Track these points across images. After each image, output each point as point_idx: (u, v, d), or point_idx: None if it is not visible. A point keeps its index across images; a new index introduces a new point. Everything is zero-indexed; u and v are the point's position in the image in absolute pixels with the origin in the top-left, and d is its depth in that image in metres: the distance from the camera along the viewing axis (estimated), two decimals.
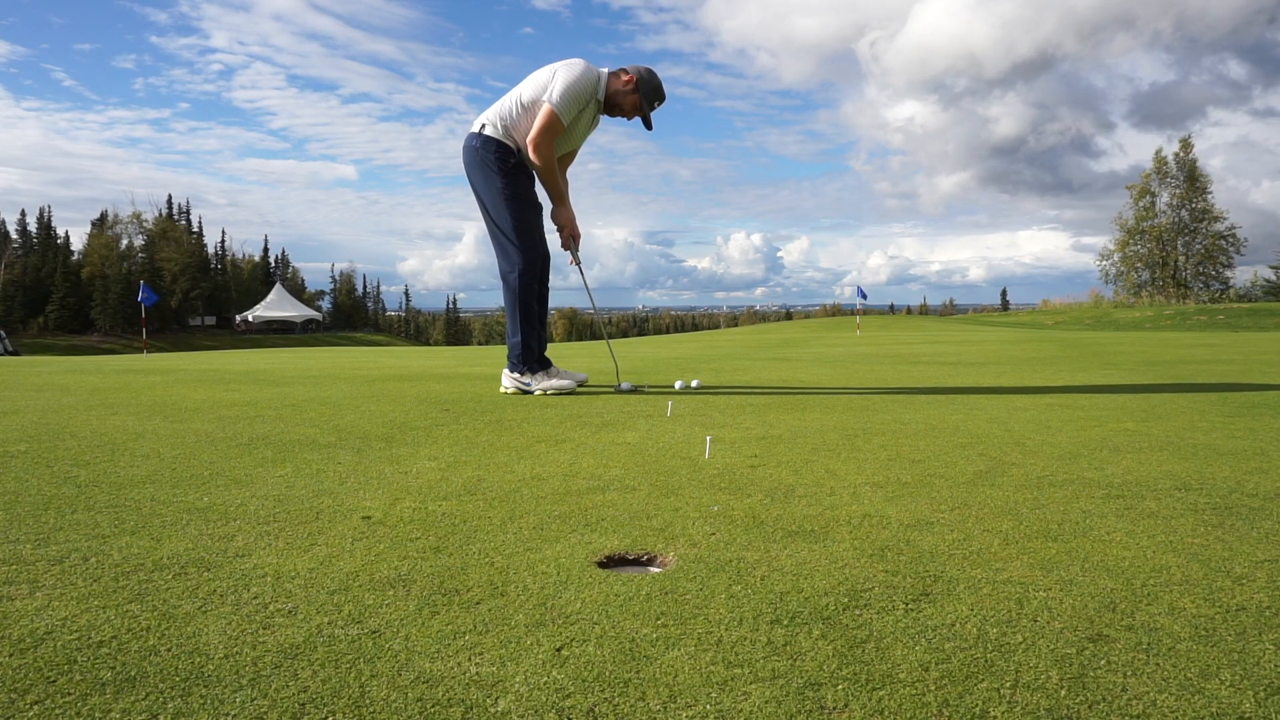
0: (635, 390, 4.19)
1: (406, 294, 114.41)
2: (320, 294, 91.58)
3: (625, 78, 3.99)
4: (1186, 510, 1.85)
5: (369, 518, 1.79)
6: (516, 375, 4.08)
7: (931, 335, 16.45)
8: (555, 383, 4.06)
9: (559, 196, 4.13)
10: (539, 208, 4.21)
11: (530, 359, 4.08)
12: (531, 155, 3.92)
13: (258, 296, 75.02)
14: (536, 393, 3.96)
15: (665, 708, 0.97)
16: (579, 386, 4.33)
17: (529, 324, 4.08)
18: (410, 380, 4.95)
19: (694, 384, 4.53)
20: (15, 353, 19.92)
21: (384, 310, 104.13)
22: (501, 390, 4.09)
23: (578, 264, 4.42)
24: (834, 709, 0.97)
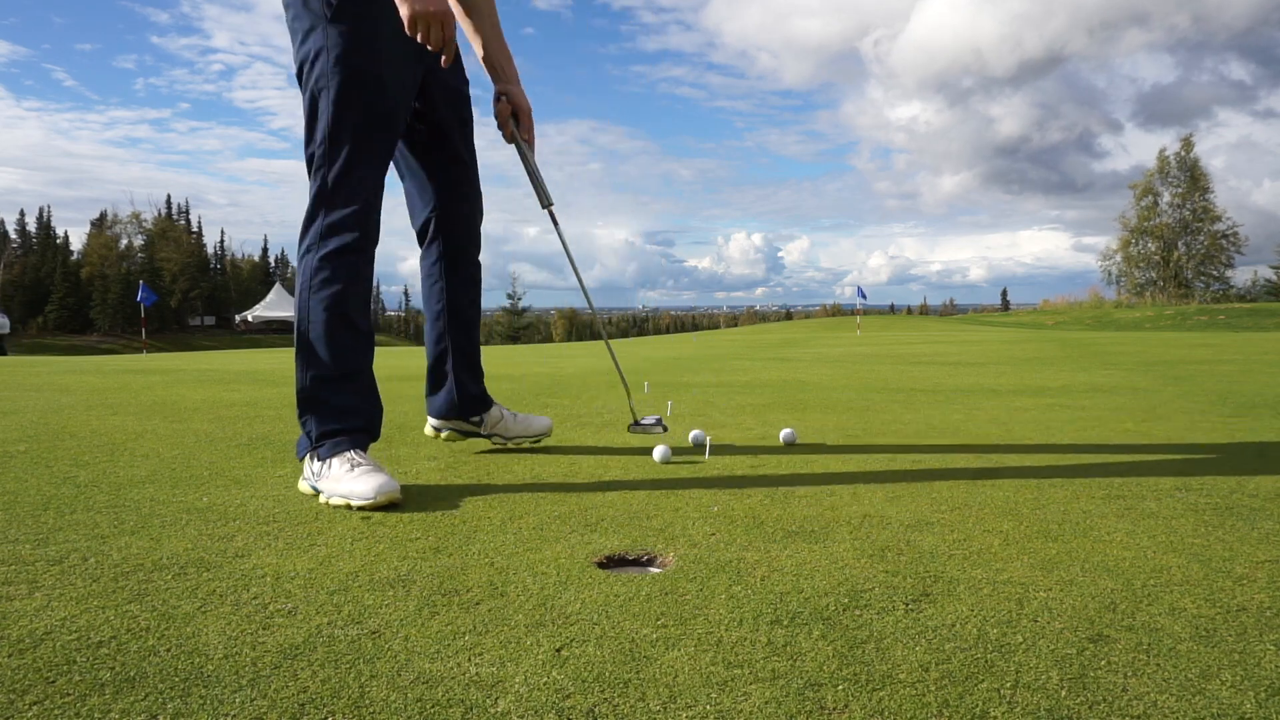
0: (651, 428, 2.62)
1: (406, 294, 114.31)
2: None
3: None
4: (1187, 510, 1.85)
5: (369, 518, 1.79)
6: (308, 463, 2.03)
7: (931, 335, 16.45)
8: (345, 485, 1.90)
9: None
10: (457, 93, 2.36)
11: (321, 429, 2.04)
12: None
13: (257, 296, 74.98)
14: (321, 500, 1.94)
15: (665, 708, 0.97)
16: (533, 440, 2.63)
17: (323, 353, 2.06)
18: (409, 380, 4.95)
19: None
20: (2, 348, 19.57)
21: (383, 310, 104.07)
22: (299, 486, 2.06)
23: (546, 206, 2.50)
24: (834, 709, 0.97)
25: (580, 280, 2.66)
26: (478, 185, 2.48)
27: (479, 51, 2.43)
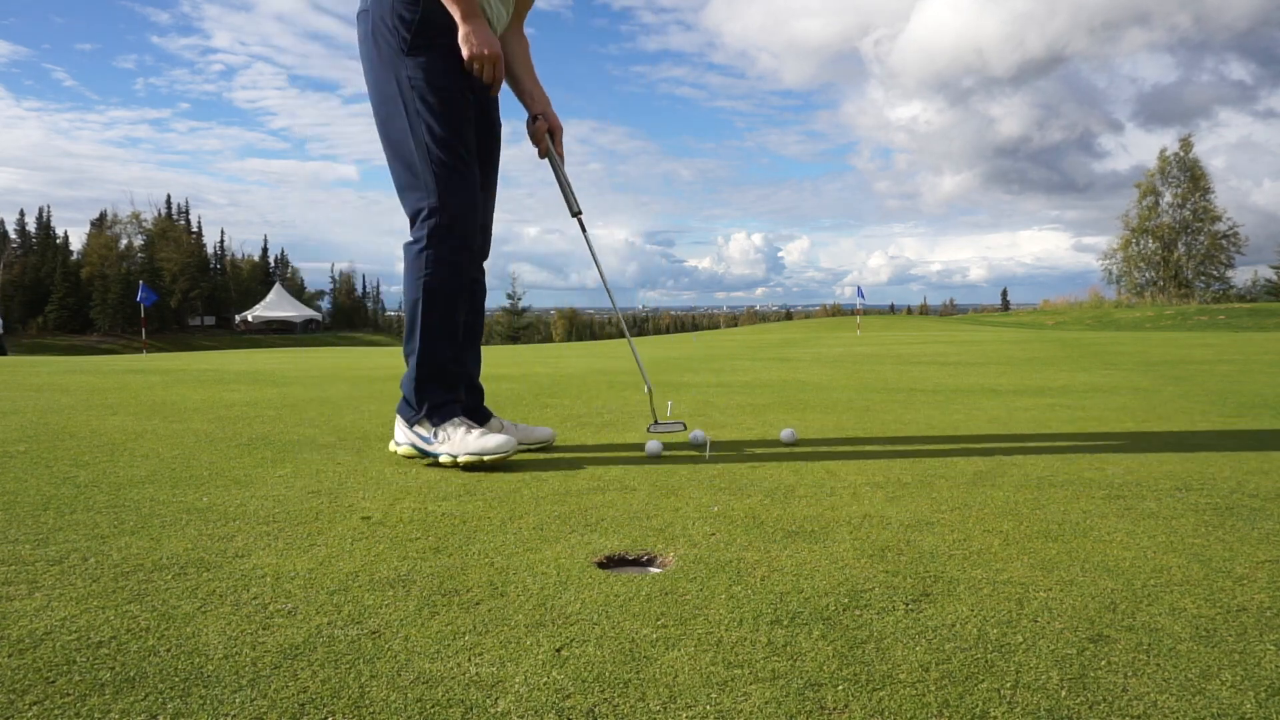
0: (671, 428, 2.66)
1: None
2: (320, 294, 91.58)
3: None
4: (1187, 510, 1.85)
5: (369, 518, 1.79)
6: (417, 429, 2.38)
7: (932, 335, 16.46)
8: (475, 443, 2.28)
9: (468, 6, 2.30)
10: (490, 128, 2.56)
11: (437, 398, 2.38)
12: None
13: (257, 296, 74.99)
14: (442, 460, 2.32)
15: (665, 708, 0.97)
16: (535, 448, 2.63)
17: (447, 338, 2.40)
18: None
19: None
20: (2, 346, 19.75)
21: (384, 310, 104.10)
22: (391, 448, 2.46)
23: (575, 214, 2.65)
24: (834, 709, 0.97)
25: (605, 282, 2.77)
26: (492, 212, 2.67)
27: (513, 84, 2.71)
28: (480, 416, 2.64)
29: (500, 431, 2.63)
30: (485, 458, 2.27)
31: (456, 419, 2.36)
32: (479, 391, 2.66)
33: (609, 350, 10.01)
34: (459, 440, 2.31)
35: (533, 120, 2.64)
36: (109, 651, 1.11)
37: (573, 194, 2.63)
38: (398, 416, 2.43)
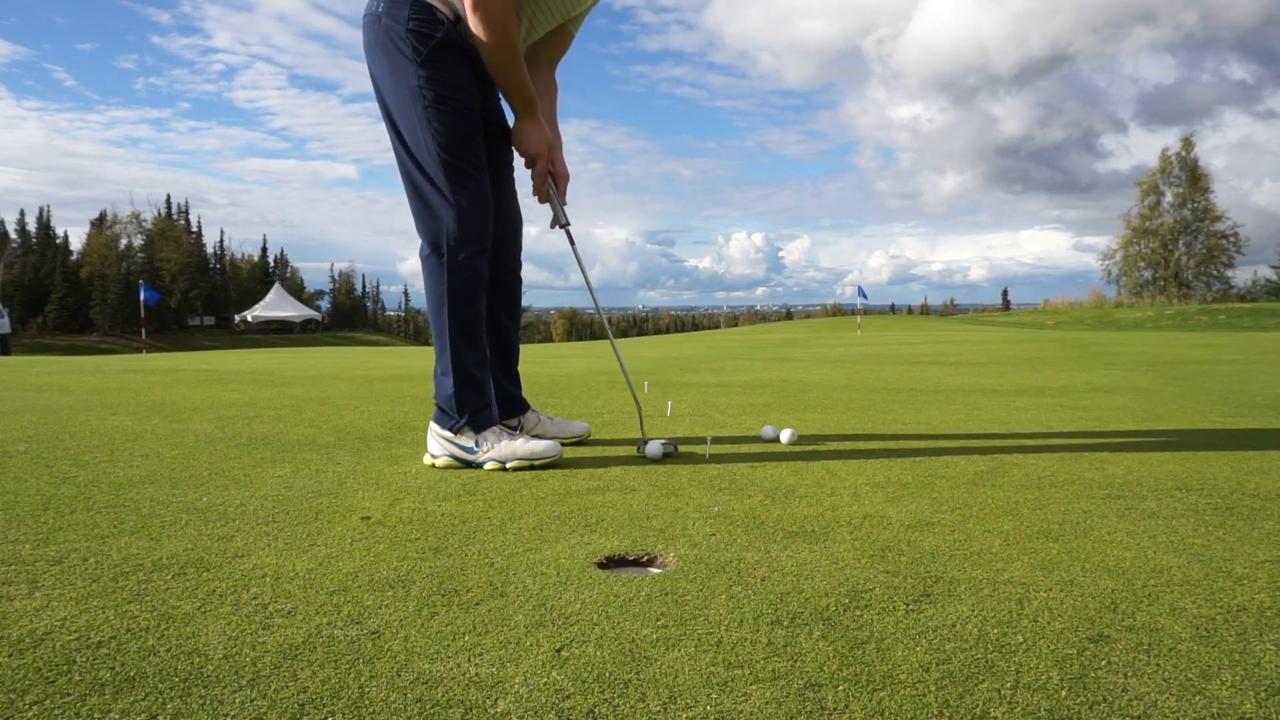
0: (668, 454, 2.47)
1: (406, 294, 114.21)
2: (319, 294, 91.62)
3: None
4: (1187, 510, 1.85)
5: (368, 518, 1.79)
6: (448, 435, 2.37)
7: (932, 335, 16.45)
8: (523, 448, 2.33)
9: (526, 102, 2.41)
10: (498, 127, 2.60)
11: (475, 405, 2.38)
12: (474, 23, 2.25)
13: (257, 296, 75.01)
14: (488, 468, 2.33)
15: (665, 708, 0.97)
16: (570, 442, 2.72)
17: (471, 344, 2.40)
18: (410, 380, 4.96)
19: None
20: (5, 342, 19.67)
21: (383, 310, 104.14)
22: (427, 461, 2.39)
23: (563, 226, 2.62)
24: (834, 710, 0.97)
25: (592, 293, 2.76)
26: (519, 210, 2.70)
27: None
28: (519, 405, 2.71)
29: (537, 425, 2.74)
30: (535, 462, 2.31)
31: (497, 426, 2.40)
32: (517, 380, 2.73)
33: (609, 350, 10.01)
34: (505, 447, 2.34)
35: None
36: (109, 651, 1.10)
37: (561, 210, 2.61)
38: (431, 428, 2.41)
